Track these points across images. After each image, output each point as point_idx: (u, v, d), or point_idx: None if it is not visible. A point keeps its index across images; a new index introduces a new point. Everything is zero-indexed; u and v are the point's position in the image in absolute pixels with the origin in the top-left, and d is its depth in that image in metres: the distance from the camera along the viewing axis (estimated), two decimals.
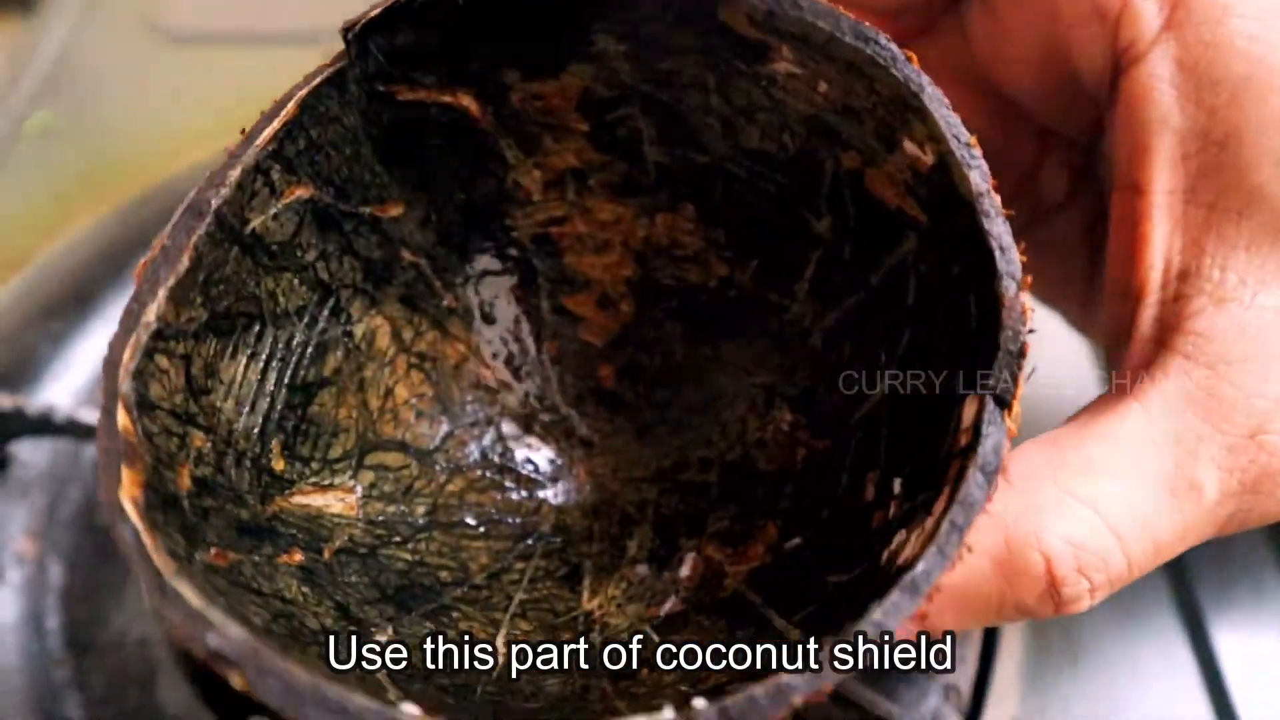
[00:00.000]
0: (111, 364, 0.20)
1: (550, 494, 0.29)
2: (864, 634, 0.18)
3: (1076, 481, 0.22)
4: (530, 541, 0.28)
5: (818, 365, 0.27)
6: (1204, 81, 0.24)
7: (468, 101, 0.27)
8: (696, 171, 0.28)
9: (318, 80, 0.24)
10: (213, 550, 0.21)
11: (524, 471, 0.30)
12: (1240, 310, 0.23)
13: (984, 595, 0.22)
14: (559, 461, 0.30)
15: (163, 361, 0.22)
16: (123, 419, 0.20)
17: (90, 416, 0.37)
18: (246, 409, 0.25)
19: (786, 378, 0.28)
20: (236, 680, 0.18)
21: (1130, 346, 0.24)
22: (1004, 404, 0.20)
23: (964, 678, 0.34)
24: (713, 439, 0.29)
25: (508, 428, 0.30)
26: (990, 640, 0.35)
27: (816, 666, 0.18)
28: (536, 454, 0.30)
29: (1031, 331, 0.20)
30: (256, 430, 0.25)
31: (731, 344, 0.29)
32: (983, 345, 0.20)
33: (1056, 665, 0.35)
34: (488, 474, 0.29)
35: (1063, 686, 0.34)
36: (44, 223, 0.47)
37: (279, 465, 0.25)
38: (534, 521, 0.29)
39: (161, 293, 0.21)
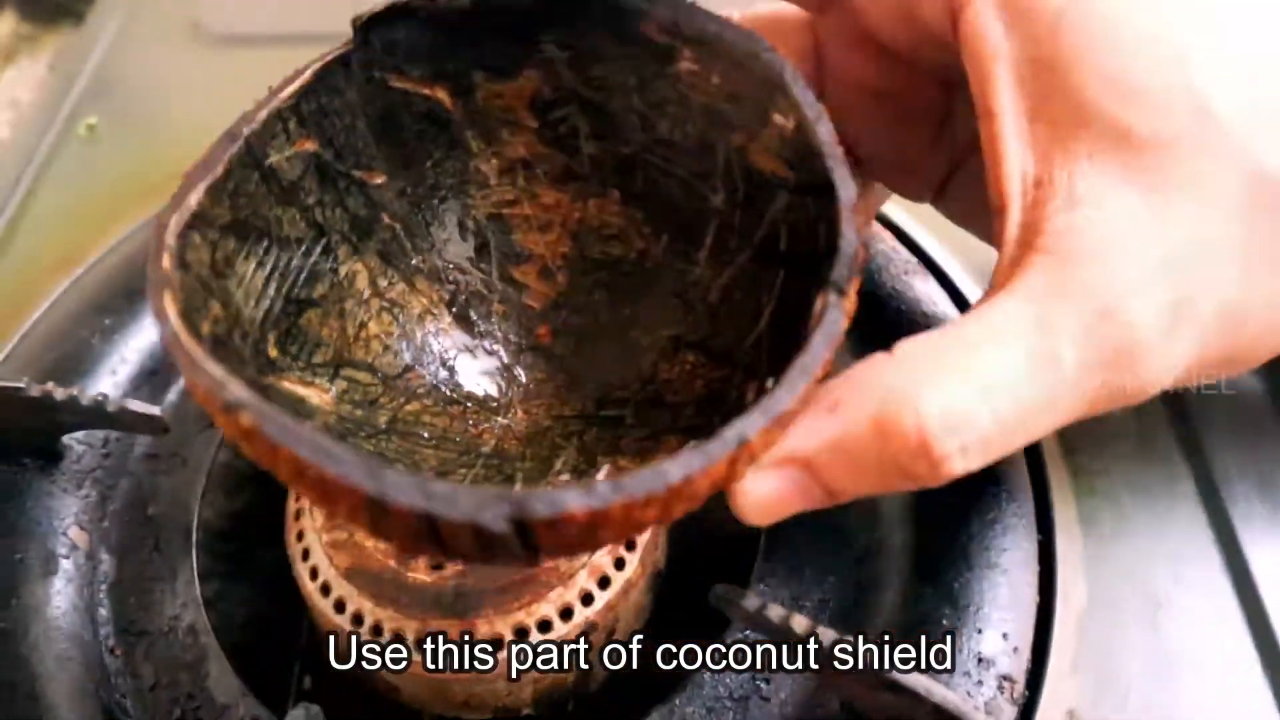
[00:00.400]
0: (161, 225, 0.26)
1: (492, 424, 0.35)
2: (728, 435, 0.22)
3: (949, 355, 0.25)
4: (472, 455, 0.33)
5: (715, 315, 0.32)
6: (1022, 14, 0.27)
7: (443, 95, 0.33)
8: (621, 161, 0.33)
9: (329, 58, 0.30)
10: None
11: (469, 405, 0.35)
12: (1091, 210, 0.26)
13: (862, 449, 0.25)
14: (501, 401, 0.35)
15: (196, 239, 0.28)
16: (167, 261, 0.26)
17: (139, 406, 0.38)
18: (252, 303, 0.30)
19: (691, 328, 0.33)
20: (246, 419, 0.22)
21: (1001, 253, 0.27)
22: (842, 292, 0.25)
23: (1018, 668, 0.34)
24: (629, 382, 0.34)
25: (460, 368, 0.35)
26: (1043, 632, 0.35)
27: (693, 458, 0.22)
28: (482, 392, 0.35)
29: (866, 245, 0.26)
30: (258, 322, 0.30)
31: (646, 305, 0.34)
32: (831, 259, 0.25)
33: (1111, 657, 0.34)
34: (441, 403, 0.34)
35: (1119, 678, 0.34)
36: (94, 222, 0.48)
37: (273, 353, 0.31)
38: (477, 443, 0.34)
39: (202, 186, 0.28)
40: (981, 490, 0.37)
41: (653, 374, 0.33)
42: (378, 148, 0.33)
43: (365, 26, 0.31)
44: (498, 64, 0.32)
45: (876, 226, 0.45)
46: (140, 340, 0.44)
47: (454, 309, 0.36)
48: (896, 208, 0.45)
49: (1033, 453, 0.38)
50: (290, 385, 0.31)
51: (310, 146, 0.31)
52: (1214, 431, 0.39)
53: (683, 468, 0.22)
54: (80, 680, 0.36)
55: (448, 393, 0.35)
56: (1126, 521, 0.37)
